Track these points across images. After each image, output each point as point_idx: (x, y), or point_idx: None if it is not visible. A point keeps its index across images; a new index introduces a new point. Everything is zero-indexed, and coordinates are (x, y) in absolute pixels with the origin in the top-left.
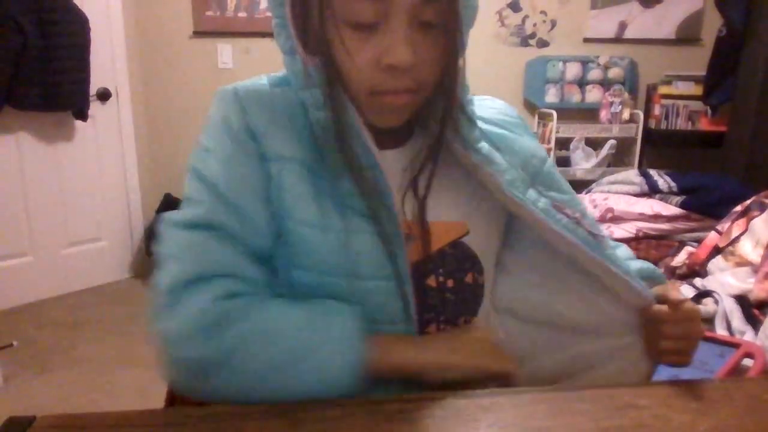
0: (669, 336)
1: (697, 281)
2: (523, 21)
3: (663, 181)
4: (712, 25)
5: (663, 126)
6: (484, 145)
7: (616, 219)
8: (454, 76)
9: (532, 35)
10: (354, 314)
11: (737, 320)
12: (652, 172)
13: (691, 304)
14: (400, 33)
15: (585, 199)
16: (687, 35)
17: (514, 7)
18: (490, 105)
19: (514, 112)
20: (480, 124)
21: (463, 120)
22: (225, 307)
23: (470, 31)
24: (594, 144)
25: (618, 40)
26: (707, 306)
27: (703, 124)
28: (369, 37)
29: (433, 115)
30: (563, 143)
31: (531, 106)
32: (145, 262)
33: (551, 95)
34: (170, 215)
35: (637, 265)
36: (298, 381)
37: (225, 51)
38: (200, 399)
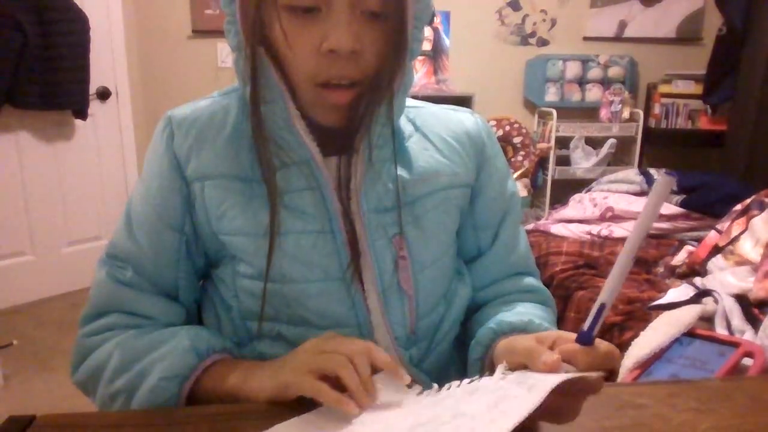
0: None
1: (697, 280)
2: (523, 20)
3: None
4: (713, 24)
5: (663, 125)
6: (385, 150)
7: (616, 218)
8: (395, 69)
9: (532, 34)
10: (181, 345)
11: (737, 319)
12: (652, 171)
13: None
14: (342, 18)
15: (585, 198)
16: (687, 34)
17: (514, 5)
18: (447, 118)
19: (480, 134)
20: (407, 126)
21: (382, 112)
22: (91, 342)
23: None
24: (594, 143)
25: (618, 38)
26: (707, 305)
27: (703, 123)
28: (310, 23)
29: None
30: (563, 142)
31: (531, 105)
32: None
33: (551, 94)
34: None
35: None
36: (138, 403)
37: (225, 49)
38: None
